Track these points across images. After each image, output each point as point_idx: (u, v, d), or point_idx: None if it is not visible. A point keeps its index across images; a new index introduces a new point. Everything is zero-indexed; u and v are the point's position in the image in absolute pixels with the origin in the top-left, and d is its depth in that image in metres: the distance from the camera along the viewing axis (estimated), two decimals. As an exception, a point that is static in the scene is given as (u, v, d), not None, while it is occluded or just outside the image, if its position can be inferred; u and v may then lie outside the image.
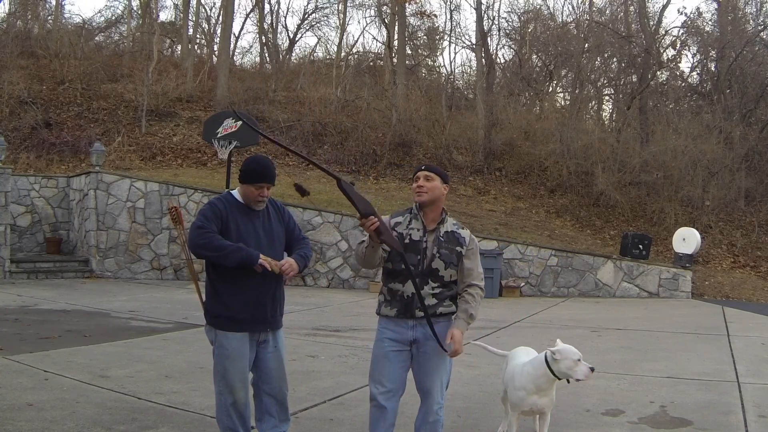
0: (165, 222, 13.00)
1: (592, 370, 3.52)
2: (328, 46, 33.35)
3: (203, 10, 27.38)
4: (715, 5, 24.01)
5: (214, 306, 3.47)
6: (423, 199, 3.30)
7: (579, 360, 3.50)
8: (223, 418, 3.47)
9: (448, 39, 28.00)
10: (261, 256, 3.34)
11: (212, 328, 3.48)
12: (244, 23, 45.24)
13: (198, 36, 27.61)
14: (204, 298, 3.60)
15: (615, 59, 22.59)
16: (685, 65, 30.00)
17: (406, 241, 3.29)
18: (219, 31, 23.62)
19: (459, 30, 41.06)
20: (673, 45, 21.67)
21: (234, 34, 25.50)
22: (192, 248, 3.35)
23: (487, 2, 23.24)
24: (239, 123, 11.84)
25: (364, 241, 3.24)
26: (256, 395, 3.56)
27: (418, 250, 3.28)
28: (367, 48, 31.23)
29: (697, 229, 13.88)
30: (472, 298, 3.31)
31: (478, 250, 3.47)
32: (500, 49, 26.84)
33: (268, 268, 3.33)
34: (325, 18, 35.64)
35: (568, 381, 3.61)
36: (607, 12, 23.88)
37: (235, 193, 3.56)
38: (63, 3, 31.41)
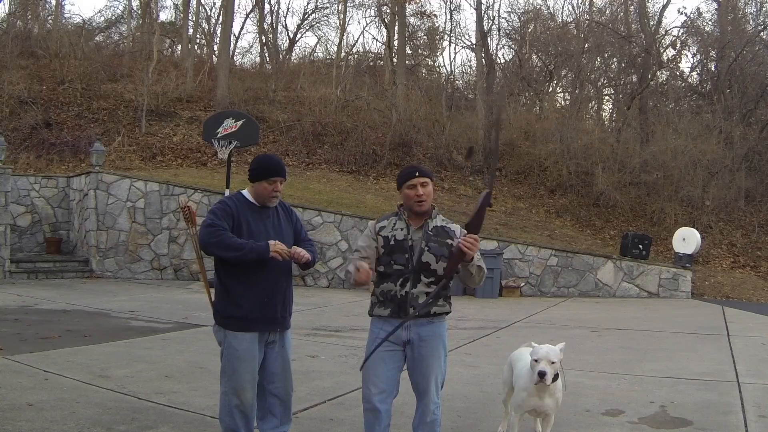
0: (165, 222, 13.01)
1: (541, 375, 3.41)
2: (328, 46, 33.36)
3: (203, 10, 27.41)
4: (715, 5, 24.06)
5: (225, 306, 3.45)
6: (425, 209, 3.34)
7: (537, 361, 3.44)
8: (226, 419, 3.46)
9: (448, 39, 28.06)
10: (270, 245, 3.33)
11: (222, 328, 3.46)
12: (244, 23, 45.18)
13: (198, 36, 27.64)
14: (213, 298, 3.58)
15: (615, 59, 22.59)
16: (685, 65, 30.01)
17: (392, 242, 3.32)
18: (219, 31, 23.61)
19: (459, 30, 41.07)
20: (673, 45, 21.68)
21: (234, 34, 25.51)
22: (203, 247, 3.34)
23: (487, 2, 23.26)
24: (239, 123, 11.90)
25: (350, 272, 3.22)
26: (259, 395, 3.55)
27: (404, 249, 3.31)
28: (367, 48, 31.22)
29: (697, 229, 13.87)
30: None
31: None
32: (500, 49, 26.85)
33: (279, 258, 3.34)
34: (325, 18, 35.60)
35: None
36: (607, 12, 23.91)
37: (245, 193, 3.56)
38: (63, 3, 31.32)
